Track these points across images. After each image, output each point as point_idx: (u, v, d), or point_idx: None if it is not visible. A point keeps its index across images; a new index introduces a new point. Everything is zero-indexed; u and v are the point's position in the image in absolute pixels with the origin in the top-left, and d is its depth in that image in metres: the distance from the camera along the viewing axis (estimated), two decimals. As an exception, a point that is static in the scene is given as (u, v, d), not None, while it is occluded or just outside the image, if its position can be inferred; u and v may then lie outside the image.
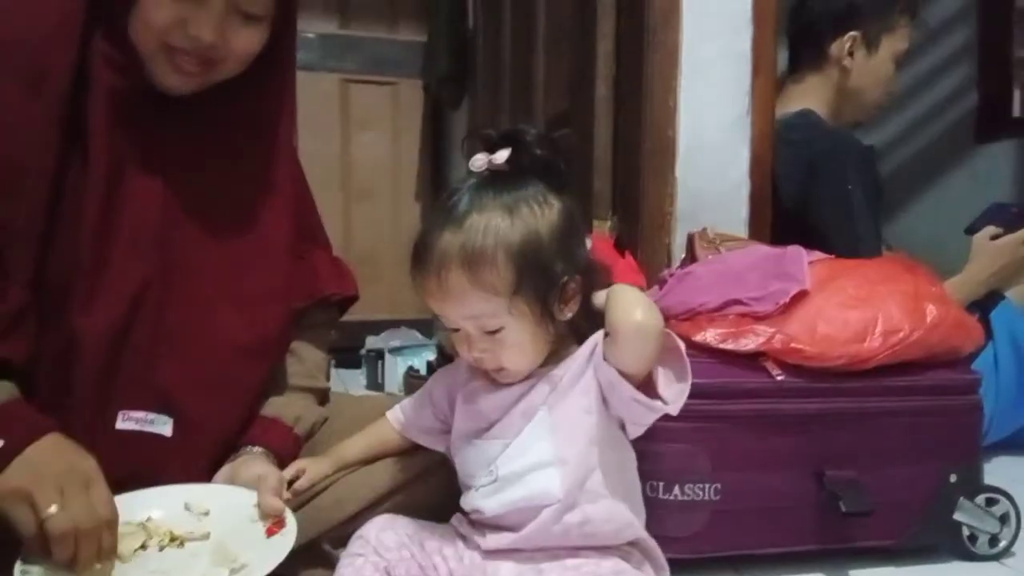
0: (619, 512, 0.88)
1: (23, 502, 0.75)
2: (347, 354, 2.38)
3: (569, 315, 0.88)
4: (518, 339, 0.86)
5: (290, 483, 0.95)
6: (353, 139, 2.77)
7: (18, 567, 0.75)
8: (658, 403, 0.84)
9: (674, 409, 0.85)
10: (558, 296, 0.86)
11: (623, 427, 0.90)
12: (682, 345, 0.86)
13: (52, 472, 0.77)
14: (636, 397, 0.84)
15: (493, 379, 0.91)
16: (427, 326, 2.73)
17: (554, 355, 0.90)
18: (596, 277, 0.90)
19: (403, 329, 2.56)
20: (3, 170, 0.85)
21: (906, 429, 1.13)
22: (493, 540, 0.88)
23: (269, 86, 0.99)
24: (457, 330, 0.88)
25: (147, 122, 0.91)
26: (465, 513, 0.92)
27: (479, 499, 0.89)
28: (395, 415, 1.02)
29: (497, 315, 0.85)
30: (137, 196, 0.91)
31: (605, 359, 0.85)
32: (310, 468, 0.97)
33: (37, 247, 0.87)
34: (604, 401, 0.87)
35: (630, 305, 0.83)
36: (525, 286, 0.84)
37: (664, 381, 0.85)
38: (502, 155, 0.87)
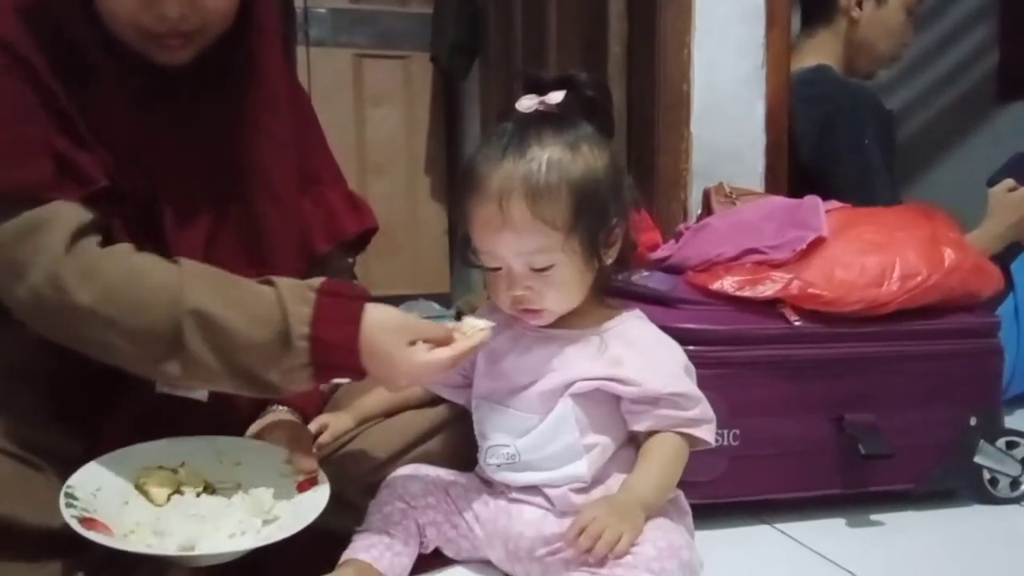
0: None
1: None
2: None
3: (609, 260, 0.88)
4: (565, 278, 0.86)
5: (314, 438, 0.97)
6: (367, 115, 2.77)
7: (63, 501, 0.76)
8: None
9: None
10: (605, 239, 0.87)
11: None
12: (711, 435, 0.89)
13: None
14: None
15: (515, 338, 0.92)
16: (445, 298, 2.75)
17: (577, 313, 0.90)
18: (630, 228, 0.91)
19: (421, 301, 2.58)
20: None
21: (925, 373, 1.13)
22: (519, 494, 0.89)
23: (251, 34, 0.96)
24: (497, 269, 0.88)
25: (147, 98, 0.91)
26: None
27: (498, 474, 0.91)
28: None
29: (551, 251, 0.84)
30: (178, 170, 0.92)
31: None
32: (333, 423, 0.98)
33: None
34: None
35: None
36: (581, 223, 0.84)
37: None
38: (556, 96, 0.87)
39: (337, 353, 0.81)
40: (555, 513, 0.87)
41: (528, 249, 0.84)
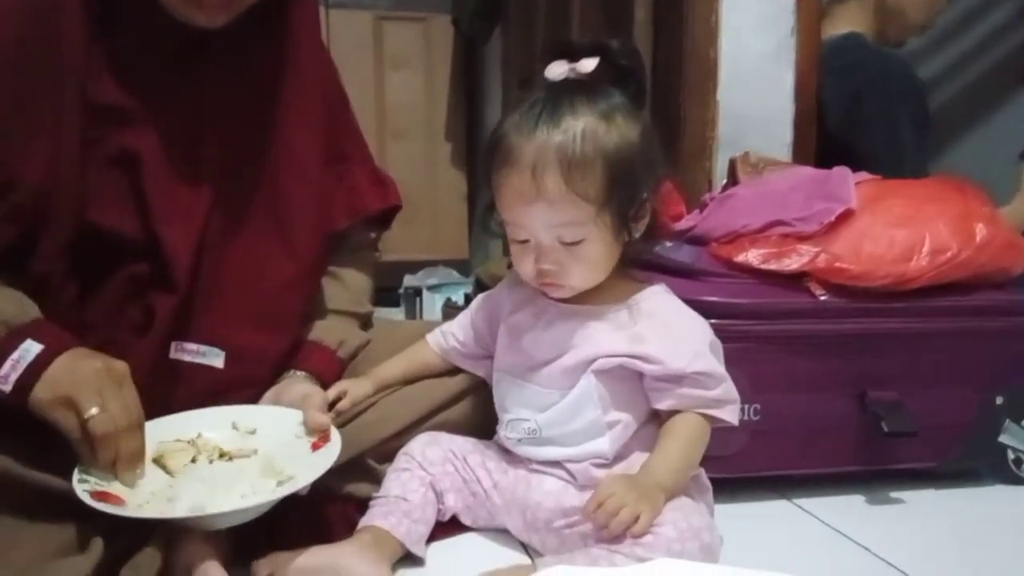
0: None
1: (66, 407, 0.76)
2: (385, 293, 2.39)
3: (638, 235, 0.87)
4: (594, 253, 0.85)
5: (332, 404, 0.97)
6: (386, 78, 2.75)
7: (76, 476, 0.77)
8: None
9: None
10: (636, 213, 0.85)
11: None
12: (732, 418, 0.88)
13: (89, 373, 0.77)
14: None
15: (538, 313, 0.91)
16: (464, 265, 2.74)
17: (602, 288, 0.88)
18: (658, 201, 0.89)
19: (440, 268, 2.57)
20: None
21: (952, 350, 1.11)
22: (540, 466, 0.89)
23: (288, 4, 0.96)
24: (524, 241, 0.86)
25: (180, 61, 0.90)
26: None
27: (518, 448, 0.90)
28: (435, 338, 1.03)
29: (582, 224, 0.83)
30: (185, 133, 0.91)
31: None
32: (352, 389, 0.98)
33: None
34: None
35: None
36: (615, 197, 0.82)
37: None
38: (589, 64, 0.85)
39: None
40: (575, 486, 0.87)
41: (560, 222, 0.83)
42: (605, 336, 0.87)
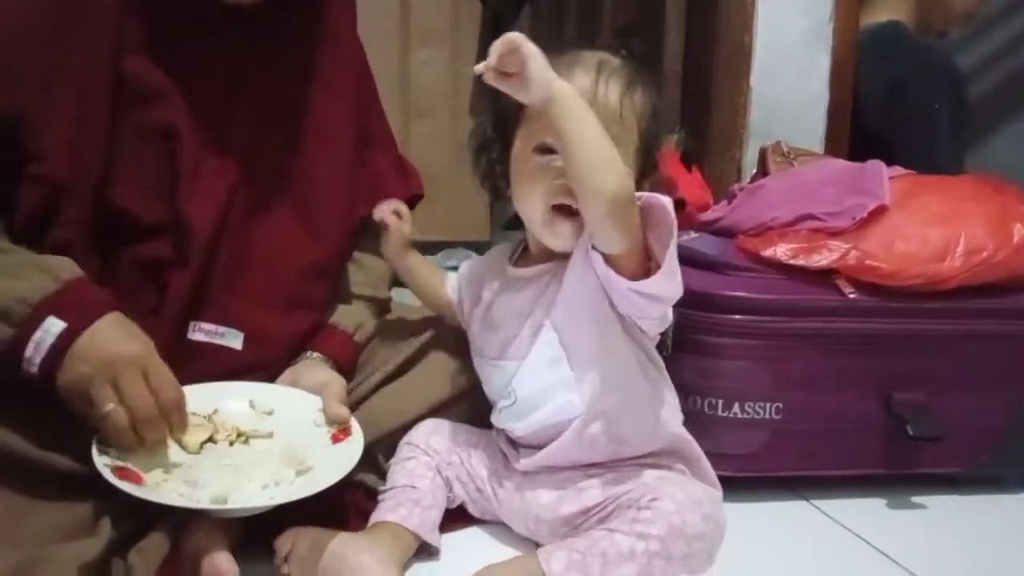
0: (640, 411, 0.85)
1: (83, 396, 0.74)
2: (404, 273, 2.38)
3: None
4: None
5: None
6: (412, 55, 2.72)
7: (95, 448, 0.76)
8: (648, 282, 0.77)
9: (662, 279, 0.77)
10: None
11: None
12: (668, 206, 0.77)
13: (106, 362, 0.74)
14: (630, 287, 0.78)
15: (507, 280, 0.90)
16: (484, 247, 2.73)
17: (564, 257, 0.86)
18: None
19: (460, 250, 2.55)
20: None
21: (983, 354, 1.08)
22: (527, 462, 0.87)
23: None
24: (551, 153, 0.81)
25: (213, 38, 0.89)
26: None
27: (506, 420, 0.89)
28: (451, 283, 1.02)
29: (623, 146, 0.79)
30: (216, 112, 0.90)
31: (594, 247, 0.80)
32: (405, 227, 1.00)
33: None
34: (611, 302, 0.83)
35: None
36: (645, 149, 0.83)
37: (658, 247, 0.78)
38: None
39: None
40: (573, 492, 0.84)
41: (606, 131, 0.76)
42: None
